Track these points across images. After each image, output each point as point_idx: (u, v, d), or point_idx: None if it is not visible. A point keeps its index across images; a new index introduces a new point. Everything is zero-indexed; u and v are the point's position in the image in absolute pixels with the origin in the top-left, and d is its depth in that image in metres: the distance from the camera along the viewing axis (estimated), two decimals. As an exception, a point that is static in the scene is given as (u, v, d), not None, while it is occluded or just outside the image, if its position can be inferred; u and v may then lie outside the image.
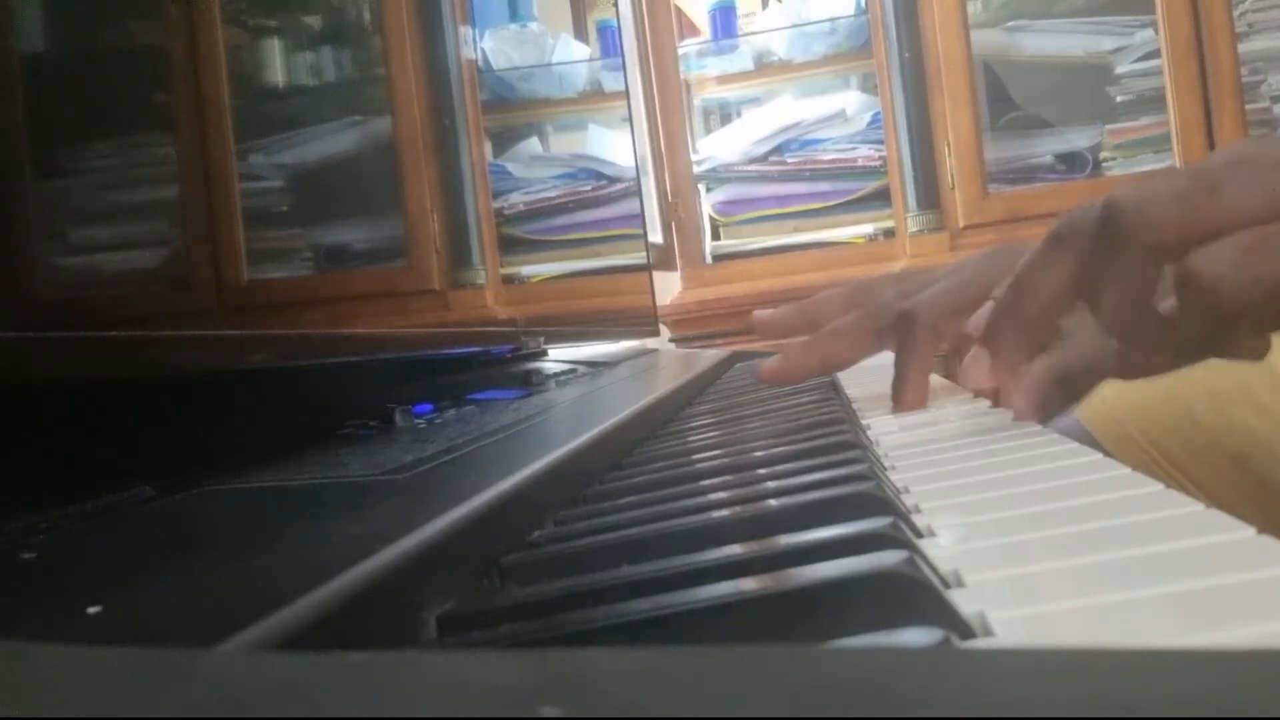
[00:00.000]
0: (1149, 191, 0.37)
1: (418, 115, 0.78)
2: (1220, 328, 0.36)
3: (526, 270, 1.20)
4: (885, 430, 0.49)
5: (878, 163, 1.96)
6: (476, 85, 0.95)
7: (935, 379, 0.72)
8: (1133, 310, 0.38)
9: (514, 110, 1.55)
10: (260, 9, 0.62)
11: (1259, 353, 0.37)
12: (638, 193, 1.49)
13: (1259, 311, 0.35)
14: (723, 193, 2.05)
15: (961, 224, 1.85)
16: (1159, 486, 0.28)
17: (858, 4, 2.01)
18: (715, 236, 2.08)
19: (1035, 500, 0.29)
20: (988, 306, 0.44)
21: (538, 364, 0.97)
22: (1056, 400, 0.47)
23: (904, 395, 0.54)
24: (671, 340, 1.91)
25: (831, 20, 2.04)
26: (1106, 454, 0.35)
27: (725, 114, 2.22)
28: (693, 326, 1.93)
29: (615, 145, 1.55)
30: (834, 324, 0.59)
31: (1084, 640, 0.19)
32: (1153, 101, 1.86)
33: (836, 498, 0.29)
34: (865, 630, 0.19)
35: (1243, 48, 1.81)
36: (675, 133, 2.02)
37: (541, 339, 0.97)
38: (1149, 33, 1.86)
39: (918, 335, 0.54)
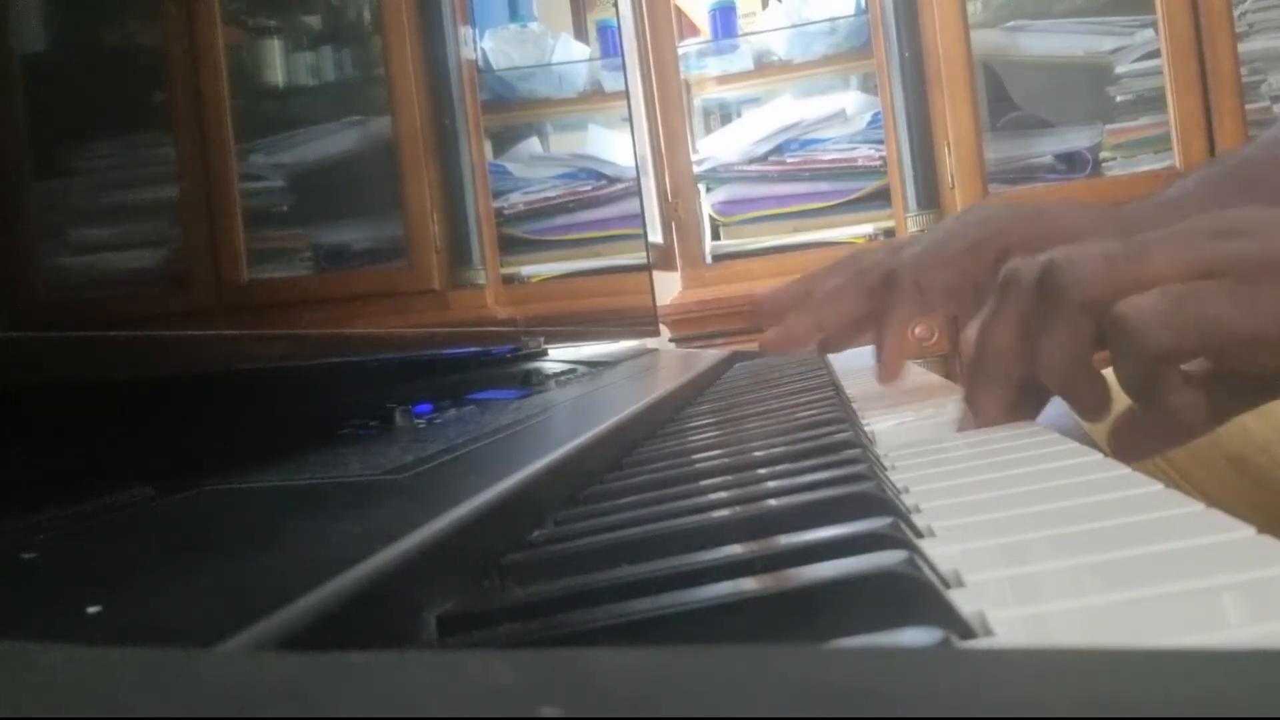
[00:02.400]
0: (1082, 252, 0.39)
1: (418, 115, 0.78)
2: (1148, 374, 0.37)
3: (527, 270, 1.20)
4: (885, 430, 0.49)
5: (878, 163, 1.96)
6: (476, 85, 0.95)
7: (935, 379, 0.72)
8: (1069, 365, 0.40)
9: (514, 110, 1.55)
10: (260, 9, 0.62)
11: (1192, 407, 0.38)
12: (638, 193, 1.49)
13: (1182, 359, 0.37)
14: (723, 193, 2.05)
15: (961, 224, 1.85)
16: (1159, 486, 0.28)
17: (858, 4, 2.01)
18: (715, 236, 2.07)
19: (1035, 500, 0.29)
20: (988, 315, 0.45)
21: (538, 364, 0.97)
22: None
23: (883, 351, 0.57)
24: (671, 340, 1.91)
25: (831, 20, 2.04)
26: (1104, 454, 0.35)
27: (725, 114, 2.22)
28: (693, 326, 1.93)
29: (615, 145, 1.55)
30: (825, 288, 0.62)
31: (1084, 640, 0.19)
32: (1153, 101, 1.86)
33: (836, 497, 0.29)
34: (865, 630, 0.19)
35: (1243, 48, 1.81)
36: (675, 133, 2.02)
37: (541, 339, 0.97)
38: (1149, 33, 1.86)
39: (900, 291, 0.58)
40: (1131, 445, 0.42)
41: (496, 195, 1.11)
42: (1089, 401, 0.41)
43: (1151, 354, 0.36)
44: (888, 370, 0.57)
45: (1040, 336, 0.40)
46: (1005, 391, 0.44)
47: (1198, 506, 0.26)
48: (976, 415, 0.45)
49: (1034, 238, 0.58)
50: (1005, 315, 0.43)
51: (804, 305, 0.62)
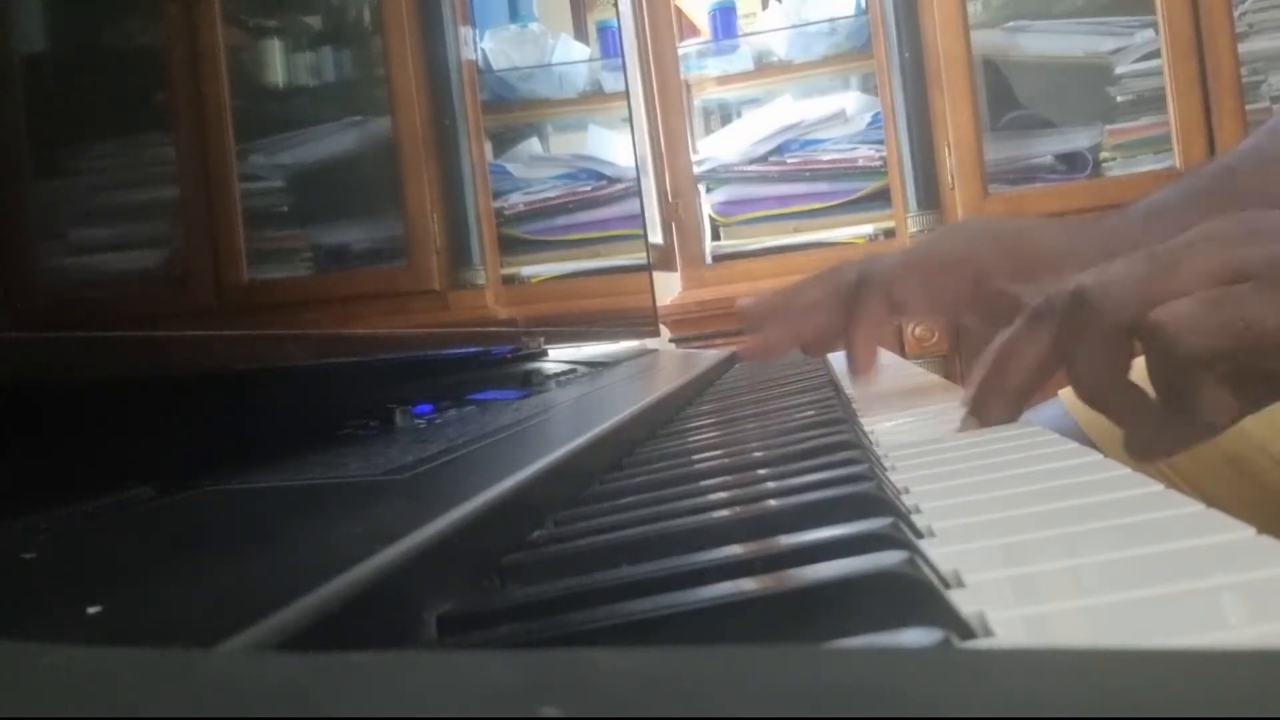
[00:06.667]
0: (1112, 275, 0.40)
1: (418, 115, 0.78)
2: (1182, 377, 0.38)
3: (527, 270, 1.20)
4: (885, 430, 0.49)
5: (878, 163, 1.96)
6: (476, 85, 0.95)
7: (935, 379, 0.72)
8: (1104, 382, 0.41)
9: (514, 110, 1.55)
10: (260, 9, 0.62)
11: (1225, 409, 0.39)
12: (638, 193, 1.49)
13: (1218, 362, 0.37)
14: (723, 193, 2.05)
15: (961, 224, 1.85)
16: (1159, 487, 0.28)
17: (858, 4, 2.01)
18: (715, 237, 2.07)
19: (1035, 500, 0.29)
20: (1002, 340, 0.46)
21: (538, 364, 0.97)
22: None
23: (853, 350, 0.60)
24: (671, 341, 1.91)
25: (831, 20, 2.03)
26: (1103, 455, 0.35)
27: (725, 114, 2.22)
28: (693, 327, 1.93)
29: (615, 145, 1.55)
30: (803, 300, 0.65)
31: (1084, 640, 0.19)
32: (1153, 101, 1.86)
33: (836, 498, 0.29)
34: (865, 630, 0.19)
35: (1243, 48, 1.81)
36: (675, 133, 2.02)
37: (541, 339, 0.97)
38: (1149, 33, 1.86)
39: (868, 297, 0.60)
40: (1151, 445, 0.43)
41: (496, 195, 1.11)
42: (1125, 415, 0.42)
43: (1186, 358, 0.37)
44: (857, 367, 0.60)
45: (1075, 358, 0.41)
46: (1015, 404, 0.45)
47: (1198, 506, 0.26)
48: (982, 421, 0.46)
49: (1015, 260, 0.61)
50: (1034, 336, 0.43)
51: (783, 316, 0.65)
